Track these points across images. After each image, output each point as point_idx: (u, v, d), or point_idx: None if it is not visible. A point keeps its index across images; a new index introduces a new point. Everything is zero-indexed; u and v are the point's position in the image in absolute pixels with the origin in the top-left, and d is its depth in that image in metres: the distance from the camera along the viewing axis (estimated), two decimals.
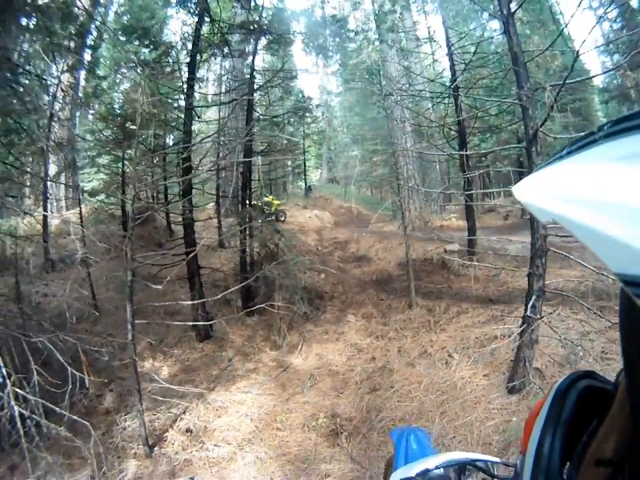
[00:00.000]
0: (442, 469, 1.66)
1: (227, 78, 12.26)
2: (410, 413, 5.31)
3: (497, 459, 1.66)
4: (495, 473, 1.61)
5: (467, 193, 9.10)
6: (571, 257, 4.77)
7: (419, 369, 6.21)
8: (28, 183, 8.21)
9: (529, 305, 4.79)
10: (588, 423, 0.60)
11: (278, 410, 5.85)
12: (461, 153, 9.14)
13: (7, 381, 3.94)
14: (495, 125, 10.48)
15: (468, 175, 8.70)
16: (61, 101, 8.06)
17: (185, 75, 8.01)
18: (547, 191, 0.42)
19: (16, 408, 3.95)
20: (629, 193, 0.32)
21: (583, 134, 0.42)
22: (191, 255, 6.55)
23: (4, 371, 3.97)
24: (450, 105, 9.82)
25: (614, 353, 5.09)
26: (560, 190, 0.40)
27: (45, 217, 7.72)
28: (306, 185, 24.20)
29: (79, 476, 4.49)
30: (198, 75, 8.61)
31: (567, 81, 4.53)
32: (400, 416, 5.30)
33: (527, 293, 5.00)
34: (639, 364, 0.44)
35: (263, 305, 6.68)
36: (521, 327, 4.95)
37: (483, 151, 10.84)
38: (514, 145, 8.24)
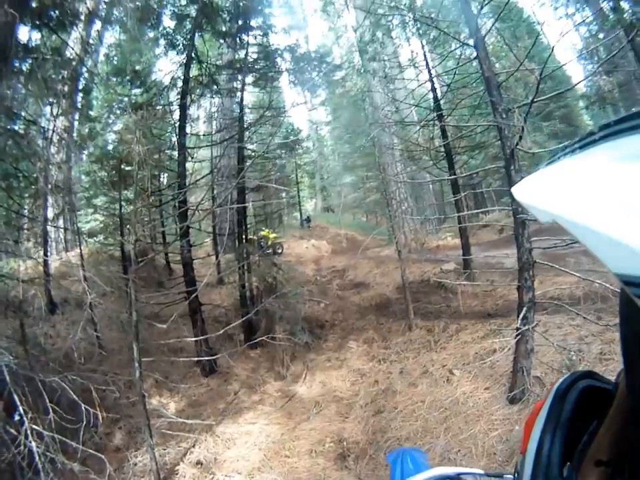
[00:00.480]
0: None
1: (217, 116, 12.52)
2: (415, 431, 5.35)
3: (481, 471, 1.75)
4: None
5: (459, 214, 9.26)
6: (556, 266, 4.91)
7: (421, 388, 6.27)
8: (26, 226, 8.35)
9: (520, 317, 4.90)
10: (588, 423, 0.60)
11: (285, 438, 5.90)
12: (445, 178, 9.34)
13: (25, 419, 4.03)
14: (482, 141, 10.68)
15: (458, 197, 8.87)
16: (56, 145, 8.27)
17: (177, 115, 8.28)
18: (546, 191, 0.42)
19: (34, 445, 4.03)
20: (629, 192, 0.32)
21: (582, 134, 0.42)
22: (193, 295, 6.69)
23: (21, 409, 4.07)
24: (435, 126, 10.06)
25: (612, 353, 5.15)
26: (560, 190, 0.40)
27: (46, 260, 7.86)
28: (301, 216, 24.14)
29: None
30: (189, 113, 8.86)
31: (537, 99, 4.73)
32: (405, 435, 5.36)
33: (518, 305, 5.11)
34: (639, 364, 0.44)
35: (264, 338, 6.78)
36: (515, 338, 5.05)
37: (465, 174, 10.97)
38: (495, 166, 8.39)
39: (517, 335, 4.98)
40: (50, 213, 9.36)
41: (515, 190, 0.47)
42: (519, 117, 4.63)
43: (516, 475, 0.77)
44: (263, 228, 15.55)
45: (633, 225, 0.31)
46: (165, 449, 5.59)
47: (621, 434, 0.52)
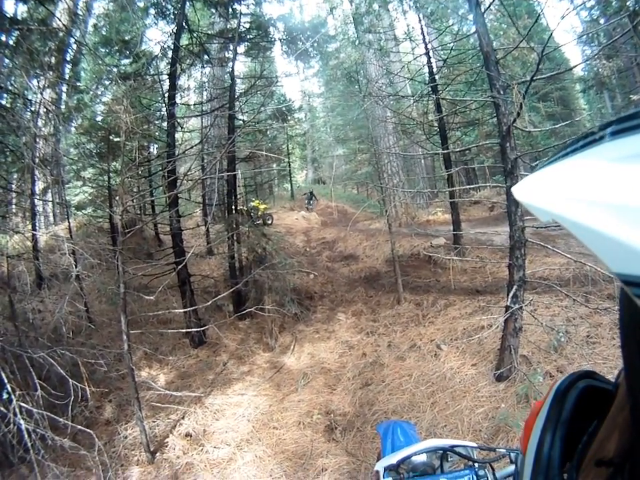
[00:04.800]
0: (425, 456, 1.78)
1: (208, 86, 12.29)
2: (402, 405, 5.41)
3: (474, 444, 1.77)
4: (474, 457, 1.73)
5: (450, 190, 9.22)
6: (548, 247, 4.92)
7: (408, 362, 6.34)
8: (14, 201, 8.23)
9: (510, 295, 4.92)
10: (588, 423, 0.61)
11: (274, 409, 5.94)
12: (437, 152, 9.27)
13: (13, 397, 4.02)
14: (476, 118, 10.61)
15: (450, 172, 8.83)
16: (44, 118, 8.08)
17: (166, 85, 8.09)
18: (546, 190, 0.42)
19: (22, 422, 4.03)
20: (629, 192, 0.32)
21: (582, 133, 0.42)
22: (181, 265, 6.63)
23: (9, 387, 4.05)
24: (430, 101, 9.96)
25: (599, 337, 5.24)
26: (560, 190, 0.40)
27: (34, 234, 7.77)
28: (292, 187, 23.76)
29: None
30: (179, 84, 8.68)
31: (536, 77, 4.65)
32: (392, 408, 5.41)
33: (507, 284, 5.13)
34: (639, 364, 0.43)
35: (253, 309, 6.77)
36: (504, 316, 5.09)
37: (459, 149, 10.96)
38: (489, 142, 8.34)
39: (506, 313, 5.01)
40: (38, 187, 9.23)
41: (515, 190, 0.47)
42: (518, 94, 4.55)
43: (516, 475, 0.80)
44: (253, 198, 15.53)
45: (633, 224, 0.31)
46: (154, 422, 5.62)
47: (621, 434, 0.52)
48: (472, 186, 16.51)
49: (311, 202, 20.87)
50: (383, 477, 1.74)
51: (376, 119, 11.92)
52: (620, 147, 0.36)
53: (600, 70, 15.43)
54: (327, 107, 26.96)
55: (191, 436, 5.41)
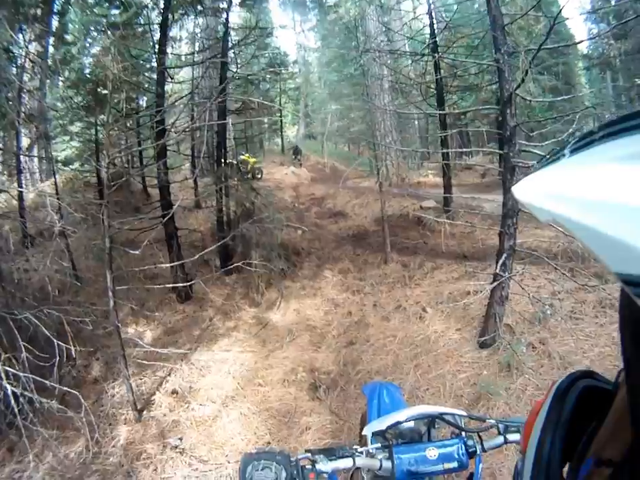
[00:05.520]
0: (413, 422, 1.78)
1: (201, 37, 11.87)
2: (385, 366, 5.49)
3: (463, 412, 1.76)
4: (462, 425, 1.73)
5: (444, 151, 9.14)
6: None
7: (393, 322, 6.40)
8: (0, 159, 8.02)
9: (500, 263, 4.92)
10: (588, 423, 0.60)
11: (259, 366, 5.98)
12: (435, 113, 9.13)
13: None
14: (475, 83, 10.44)
15: (445, 134, 8.73)
16: (29, 71, 7.77)
17: (157, 36, 7.79)
18: (546, 190, 0.42)
19: (9, 387, 4.01)
20: (629, 192, 0.32)
21: (582, 133, 0.42)
22: (167, 218, 6.51)
23: None
24: (429, 62, 9.75)
25: (582, 313, 5.30)
26: (560, 190, 0.40)
27: (20, 192, 7.59)
28: (282, 142, 23.48)
29: (74, 447, 4.59)
30: (170, 34, 8.37)
31: (543, 47, 4.54)
32: (376, 369, 5.48)
33: (497, 251, 5.12)
34: (639, 364, 0.44)
35: (240, 264, 6.72)
36: (492, 284, 5.10)
37: (457, 111, 10.84)
38: (488, 107, 8.24)
39: (494, 281, 5.02)
40: (24, 144, 8.97)
41: (515, 189, 0.46)
42: (525, 60, 4.44)
43: (516, 475, 0.79)
44: (243, 152, 15.34)
45: (633, 224, 0.31)
46: (141, 379, 5.63)
47: (621, 434, 0.50)
48: (466, 149, 16.43)
49: (298, 157, 20.73)
50: (371, 443, 1.74)
51: (372, 76, 11.64)
52: (620, 146, 0.35)
53: (606, 50, 15.20)
54: (322, 62, 26.38)
55: (177, 393, 5.43)
